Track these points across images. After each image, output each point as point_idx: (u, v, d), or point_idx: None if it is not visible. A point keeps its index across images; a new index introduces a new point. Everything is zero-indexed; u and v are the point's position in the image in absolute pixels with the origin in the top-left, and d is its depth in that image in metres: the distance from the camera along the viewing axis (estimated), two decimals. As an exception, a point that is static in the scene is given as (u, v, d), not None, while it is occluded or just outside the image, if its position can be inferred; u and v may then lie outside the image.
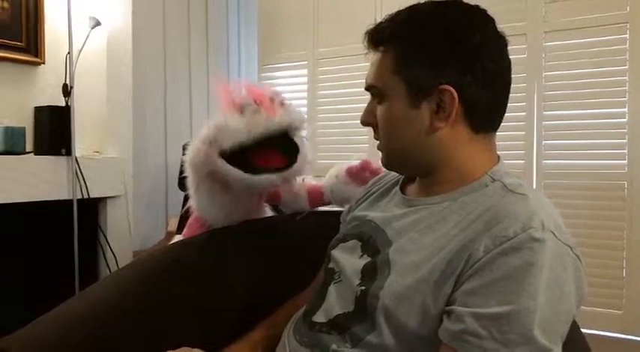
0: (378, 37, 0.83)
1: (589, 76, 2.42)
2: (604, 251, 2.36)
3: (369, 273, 0.81)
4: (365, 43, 0.86)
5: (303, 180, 1.28)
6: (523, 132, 2.55)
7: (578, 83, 2.45)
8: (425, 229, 0.79)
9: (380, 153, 0.89)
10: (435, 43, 0.79)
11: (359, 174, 1.23)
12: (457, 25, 0.80)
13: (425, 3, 0.83)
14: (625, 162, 2.34)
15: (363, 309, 0.78)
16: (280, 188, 1.25)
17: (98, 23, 2.31)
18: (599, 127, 2.42)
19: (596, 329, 2.28)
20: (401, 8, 0.84)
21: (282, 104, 1.13)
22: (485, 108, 0.81)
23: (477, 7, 0.82)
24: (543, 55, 2.51)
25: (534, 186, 2.50)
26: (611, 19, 2.37)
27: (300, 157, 1.12)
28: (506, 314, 0.64)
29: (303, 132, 1.16)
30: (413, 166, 0.87)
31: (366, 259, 0.84)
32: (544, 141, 2.52)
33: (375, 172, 1.20)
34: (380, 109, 0.84)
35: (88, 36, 2.28)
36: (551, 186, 2.51)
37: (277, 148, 1.12)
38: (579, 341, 0.84)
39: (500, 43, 0.81)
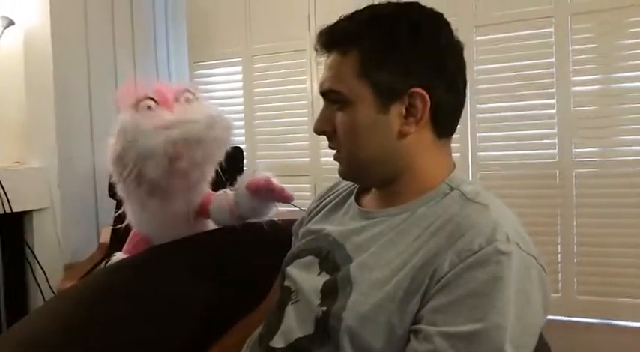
0: (336, 37, 0.78)
1: (518, 69, 2.49)
2: (539, 237, 2.44)
3: (330, 292, 0.77)
4: (317, 45, 0.79)
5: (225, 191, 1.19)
6: (458, 125, 2.59)
7: (509, 76, 2.51)
8: (386, 243, 0.76)
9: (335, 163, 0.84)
10: (403, 45, 0.74)
11: (259, 193, 1.12)
12: (423, 27, 0.76)
13: (384, 4, 0.79)
14: (555, 151, 2.43)
15: (326, 332, 0.74)
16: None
17: (12, 23, 2.15)
18: (529, 118, 2.50)
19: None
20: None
21: (188, 101, 1.08)
22: (450, 112, 0.79)
23: (433, 9, 0.79)
24: (474, 49, 2.55)
25: (470, 177, 2.55)
26: (538, 13, 2.45)
27: None
28: (476, 332, 0.63)
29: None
30: (377, 176, 0.81)
31: (325, 277, 0.80)
32: (478, 134, 2.58)
33: (277, 193, 1.12)
34: (342, 116, 0.78)
35: (0, 36, 2.11)
36: (486, 177, 2.57)
37: None
38: (543, 348, 0.84)
39: (459, 46, 0.79)
